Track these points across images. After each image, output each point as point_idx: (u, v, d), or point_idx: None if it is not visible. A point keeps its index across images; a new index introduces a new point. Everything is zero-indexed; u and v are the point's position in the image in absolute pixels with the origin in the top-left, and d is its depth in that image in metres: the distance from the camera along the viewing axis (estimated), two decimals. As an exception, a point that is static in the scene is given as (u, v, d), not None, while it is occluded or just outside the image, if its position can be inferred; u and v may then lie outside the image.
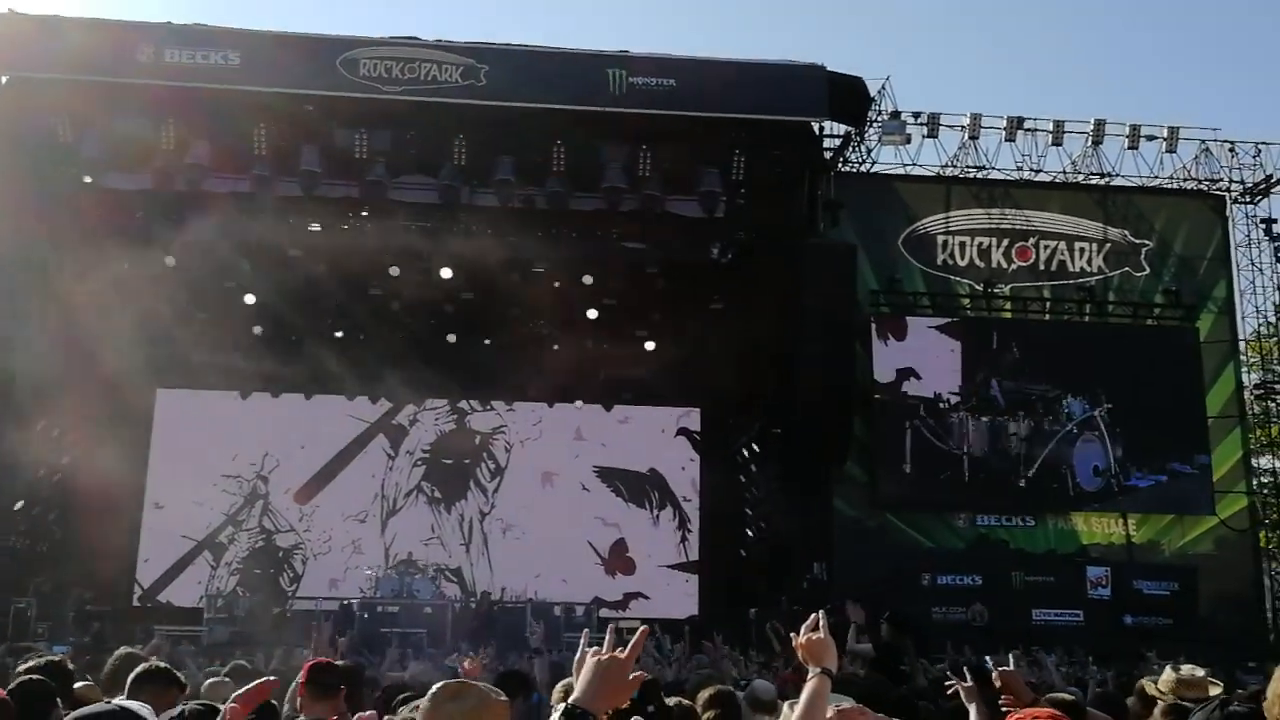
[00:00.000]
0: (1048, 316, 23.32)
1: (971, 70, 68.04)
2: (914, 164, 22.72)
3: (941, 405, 21.83)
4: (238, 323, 20.61)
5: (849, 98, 19.02)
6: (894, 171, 22.89)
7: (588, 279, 20.41)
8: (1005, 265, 23.06)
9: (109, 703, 1.67)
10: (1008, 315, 23.07)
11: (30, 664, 4.78)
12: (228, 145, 18.21)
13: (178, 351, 20.31)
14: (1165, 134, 22.86)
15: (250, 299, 20.38)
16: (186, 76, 17.35)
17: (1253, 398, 24.17)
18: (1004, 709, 4.21)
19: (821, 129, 20.27)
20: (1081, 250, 23.25)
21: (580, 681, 2.39)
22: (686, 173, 19.13)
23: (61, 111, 17.75)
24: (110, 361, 18.11)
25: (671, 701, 4.17)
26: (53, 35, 17.28)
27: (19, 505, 19.46)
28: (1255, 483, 23.78)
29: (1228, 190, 23.88)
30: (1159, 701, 4.80)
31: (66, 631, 17.32)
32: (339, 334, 21.63)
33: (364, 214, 19.50)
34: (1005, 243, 23.12)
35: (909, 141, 21.99)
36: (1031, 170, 22.89)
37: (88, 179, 18.59)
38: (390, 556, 21.36)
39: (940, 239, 22.98)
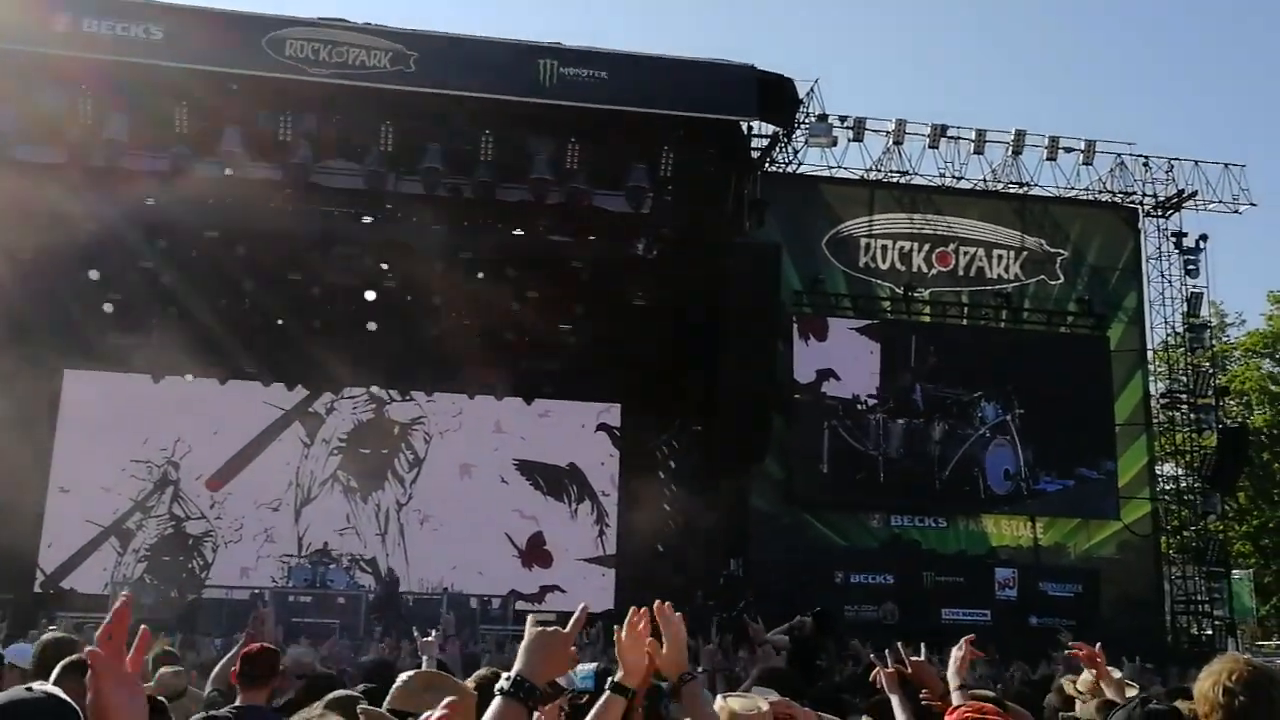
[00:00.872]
0: (965, 321, 23.77)
1: (898, 77, 69.04)
2: (839, 166, 23.06)
3: (859, 407, 22.15)
4: (151, 304, 20.10)
5: (778, 98, 19.17)
6: (819, 173, 23.16)
7: (511, 271, 20.28)
8: (925, 270, 23.44)
9: (31, 688, 1.61)
10: (927, 319, 23.47)
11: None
12: (147, 122, 17.77)
13: (88, 332, 19.76)
14: (1083, 146, 23.47)
15: (165, 280, 19.87)
16: (105, 49, 16.91)
17: (1159, 406, 24.91)
18: (923, 701, 4.28)
19: (750, 128, 20.42)
20: (999, 257, 23.71)
21: (523, 653, 2.45)
22: (614, 167, 19.14)
23: (-30, 80, 17.20)
24: (15, 341, 17.57)
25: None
26: (-38, 1, 16.77)
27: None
28: (1158, 489, 24.53)
29: (1140, 203, 24.56)
30: (1077, 701, 4.92)
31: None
32: (257, 319, 21.18)
33: (286, 196, 19.15)
34: (926, 247, 23.50)
35: (835, 144, 22.30)
36: (953, 177, 23.31)
37: (-2, 151, 18.01)
38: (304, 546, 21.03)
39: (863, 241, 23.28)
